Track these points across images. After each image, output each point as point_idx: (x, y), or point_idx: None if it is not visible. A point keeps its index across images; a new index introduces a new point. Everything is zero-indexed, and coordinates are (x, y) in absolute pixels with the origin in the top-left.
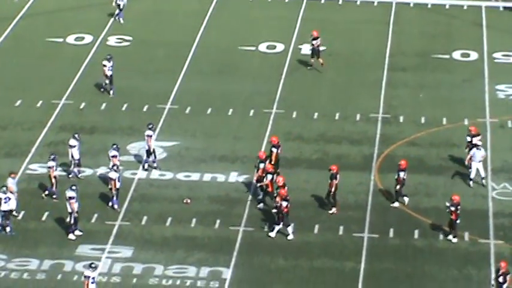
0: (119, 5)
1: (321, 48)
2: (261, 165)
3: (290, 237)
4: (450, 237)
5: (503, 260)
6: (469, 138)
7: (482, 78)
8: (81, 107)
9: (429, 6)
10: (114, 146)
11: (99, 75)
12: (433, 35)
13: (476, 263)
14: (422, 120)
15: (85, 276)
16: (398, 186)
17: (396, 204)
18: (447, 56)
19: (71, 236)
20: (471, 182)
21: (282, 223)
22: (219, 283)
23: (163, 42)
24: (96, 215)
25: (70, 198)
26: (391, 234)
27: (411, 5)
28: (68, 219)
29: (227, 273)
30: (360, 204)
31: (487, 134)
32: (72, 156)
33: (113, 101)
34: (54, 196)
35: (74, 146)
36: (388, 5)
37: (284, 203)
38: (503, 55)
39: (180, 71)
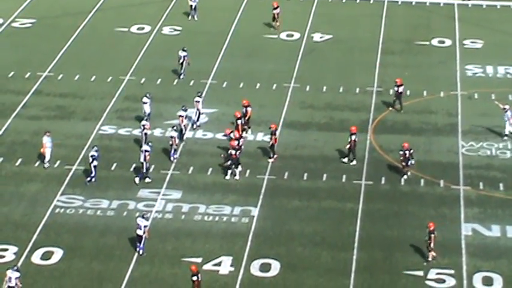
0: (191, 6)
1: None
2: (238, 122)
3: (231, 177)
4: (405, 176)
5: (432, 221)
6: (395, 88)
7: (455, 60)
8: (142, 81)
9: (413, 3)
10: (183, 107)
11: (156, 57)
12: (416, 26)
13: (449, 204)
14: (408, 92)
15: (137, 225)
16: (348, 146)
17: (354, 162)
18: (427, 43)
19: (136, 180)
20: (506, 137)
21: (233, 165)
22: (248, 219)
23: (206, 31)
24: (153, 166)
25: (146, 151)
26: (383, 181)
27: (399, 3)
28: (142, 167)
29: (255, 212)
30: (358, 158)
31: (458, 103)
32: (144, 112)
33: (166, 77)
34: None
35: (146, 103)
36: (381, 2)
37: (233, 152)
38: (471, 42)
39: (218, 54)
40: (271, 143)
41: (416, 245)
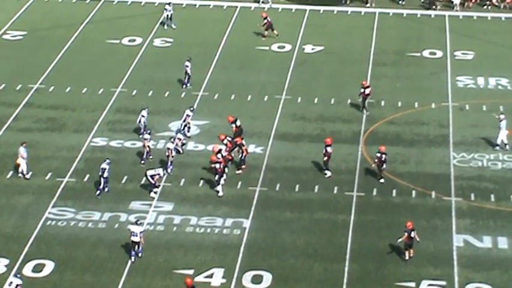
0: (167, 15)
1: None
2: (233, 125)
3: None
4: (382, 180)
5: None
6: (362, 90)
7: (446, 71)
8: (133, 93)
9: (404, 15)
10: (192, 108)
11: (148, 69)
12: (408, 38)
13: (440, 215)
14: (399, 104)
15: (131, 232)
16: (326, 158)
17: (328, 173)
18: (418, 54)
19: (152, 194)
20: (497, 147)
21: (219, 181)
22: (240, 231)
23: (197, 43)
24: (144, 178)
25: (158, 175)
26: (374, 192)
27: (390, 14)
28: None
29: (247, 223)
30: (350, 170)
31: (450, 115)
32: (140, 122)
33: (157, 89)
34: (142, 162)
35: (144, 116)
36: (372, 14)
37: (217, 165)
38: (462, 53)
39: (210, 66)
40: (244, 154)
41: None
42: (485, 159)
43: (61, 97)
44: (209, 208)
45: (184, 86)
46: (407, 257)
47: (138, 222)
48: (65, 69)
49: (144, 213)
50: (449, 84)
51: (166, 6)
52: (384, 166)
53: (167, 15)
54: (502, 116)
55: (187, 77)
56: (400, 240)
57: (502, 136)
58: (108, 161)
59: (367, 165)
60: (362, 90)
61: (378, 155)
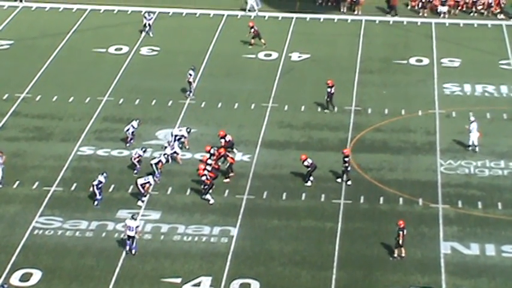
0: (145, 24)
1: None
2: (222, 141)
3: (211, 201)
4: (339, 179)
5: (402, 219)
6: (328, 89)
7: (432, 78)
8: (120, 102)
9: (391, 22)
10: (188, 130)
11: (134, 77)
12: (394, 45)
13: (428, 222)
14: (386, 111)
15: (127, 226)
16: (309, 169)
17: (309, 183)
18: (405, 62)
19: (139, 203)
20: (470, 148)
21: (207, 191)
22: (228, 239)
23: (183, 51)
24: (132, 186)
25: (149, 183)
26: (361, 200)
27: (377, 21)
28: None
29: (234, 232)
30: (337, 177)
31: (436, 122)
32: (128, 131)
33: (144, 97)
34: (136, 172)
35: (134, 127)
36: (359, 22)
37: (203, 178)
38: (449, 60)
39: (197, 74)
40: (230, 163)
41: (396, 263)
42: (472, 166)
43: (48, 106)
44: (196, 216)
45: (189, 94)
46: (396, 255)
47: (134, 217)
48: (52, 78)
49: None
50: (435, 91)
51: (146, 15)
52: (349, 169)
53: (145, 23)
54: (472, 119)
55: (189, 85)
56: (398, 240)
57: (473, 138)
58: (105, 174)
59: (355, 173)
60: (328, 89)
61: (347, 159)
